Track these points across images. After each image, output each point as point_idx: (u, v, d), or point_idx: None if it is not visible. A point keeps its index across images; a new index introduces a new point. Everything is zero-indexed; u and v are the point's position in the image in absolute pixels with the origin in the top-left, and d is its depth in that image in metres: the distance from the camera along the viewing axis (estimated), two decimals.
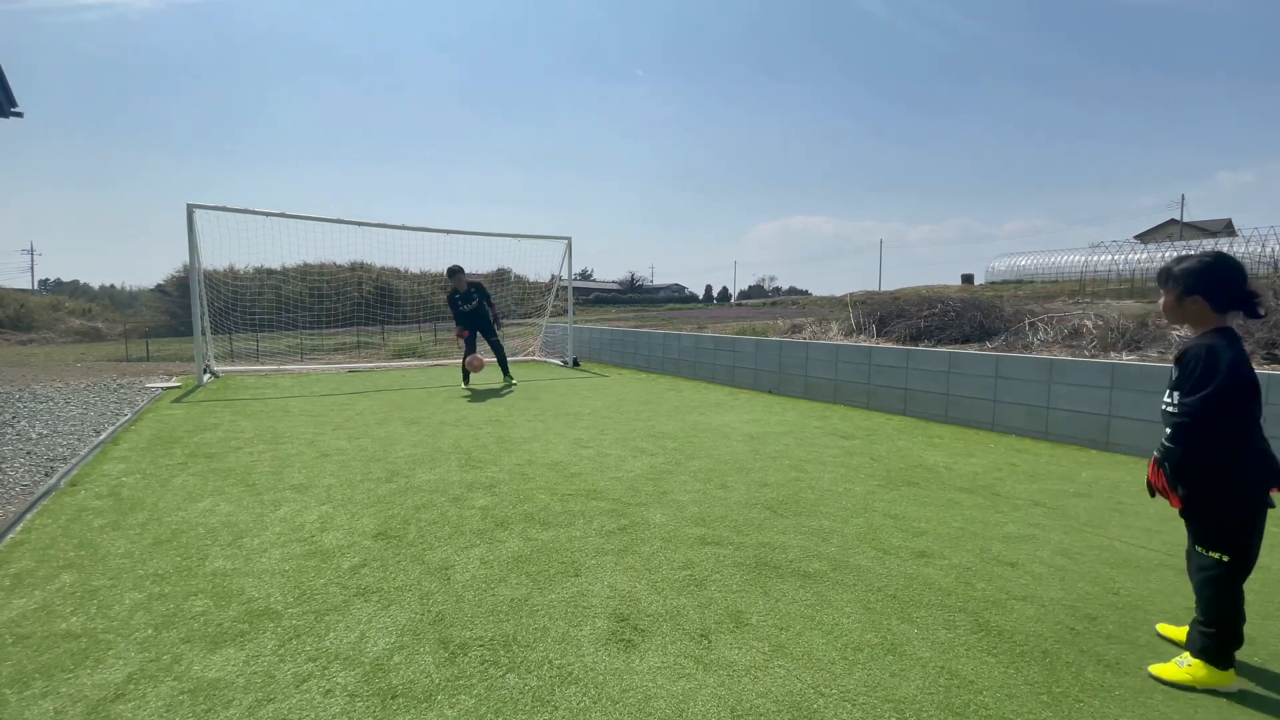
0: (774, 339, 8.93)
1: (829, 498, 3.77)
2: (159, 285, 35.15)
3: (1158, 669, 2.04)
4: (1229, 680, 1.97)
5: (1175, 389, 1.98)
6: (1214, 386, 1.83)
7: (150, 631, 2.24)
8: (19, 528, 3.22)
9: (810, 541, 3.09)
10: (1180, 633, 2.22)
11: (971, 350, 7.24)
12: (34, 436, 5.37)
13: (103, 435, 5.39)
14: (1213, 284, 1.99)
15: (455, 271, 8.44)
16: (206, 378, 8.91)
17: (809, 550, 2.98)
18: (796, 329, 11.89)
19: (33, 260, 74.25)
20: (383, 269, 26.83)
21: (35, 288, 57.48)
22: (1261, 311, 2.00)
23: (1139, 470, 4.47)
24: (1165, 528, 3.32)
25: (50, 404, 6.96)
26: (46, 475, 4.25)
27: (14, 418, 6.12)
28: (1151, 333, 7.16)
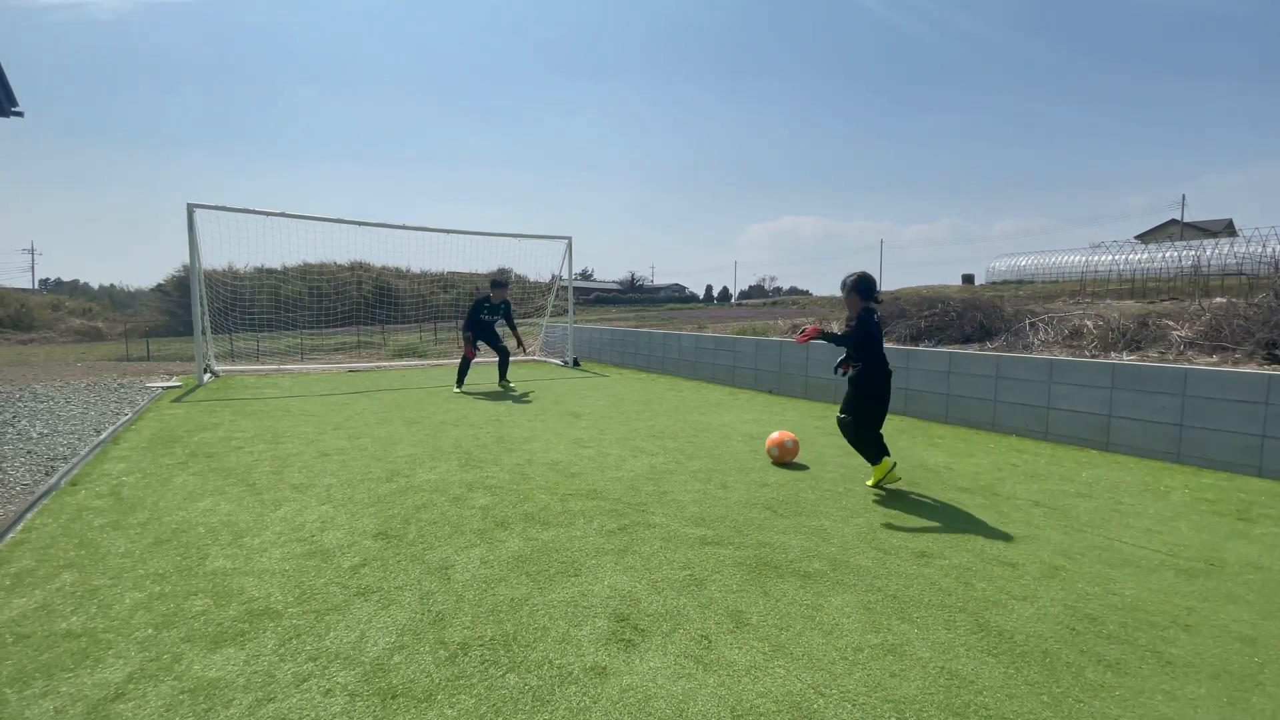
0: (774, 339, 8.93)
1: (829, 498, 3.77)
2: (159, 285, 35.18)
3: (870, 482, 3.97)
4: (886, 467, 3.84)
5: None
6: (859, 334, 3.82)
7: (150, 631, 2.24)
8: (19, 527, 3.22)
9: (810, 541, 3.09)
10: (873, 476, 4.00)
11: (972, 350, 7.24)
12: (34, 436, 5.37)
13: (103, 435, 5.39)
14: (861, 287, 3.89)
15: (503, 284, 8.32)
16: (207, 377, 8.92)
17: (809, 550, 2.98)
18: (797, 329, 11.90)
19: (33, 260, 74.07)
20: (383, 269, 26.86)
21: (35, 287, 57.45)
22: (879, 298, 4.00)
23: (1140, 470, 4.47)
24: (1165, 528, 3.33)
25: (51, 403, 6.97)
26: (47, 475, 4.25)
27: (14, 417, 6.12)
28: (1152, 333, 7.16)
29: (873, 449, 3.89)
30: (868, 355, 3.85)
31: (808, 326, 3.97)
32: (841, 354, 4.04)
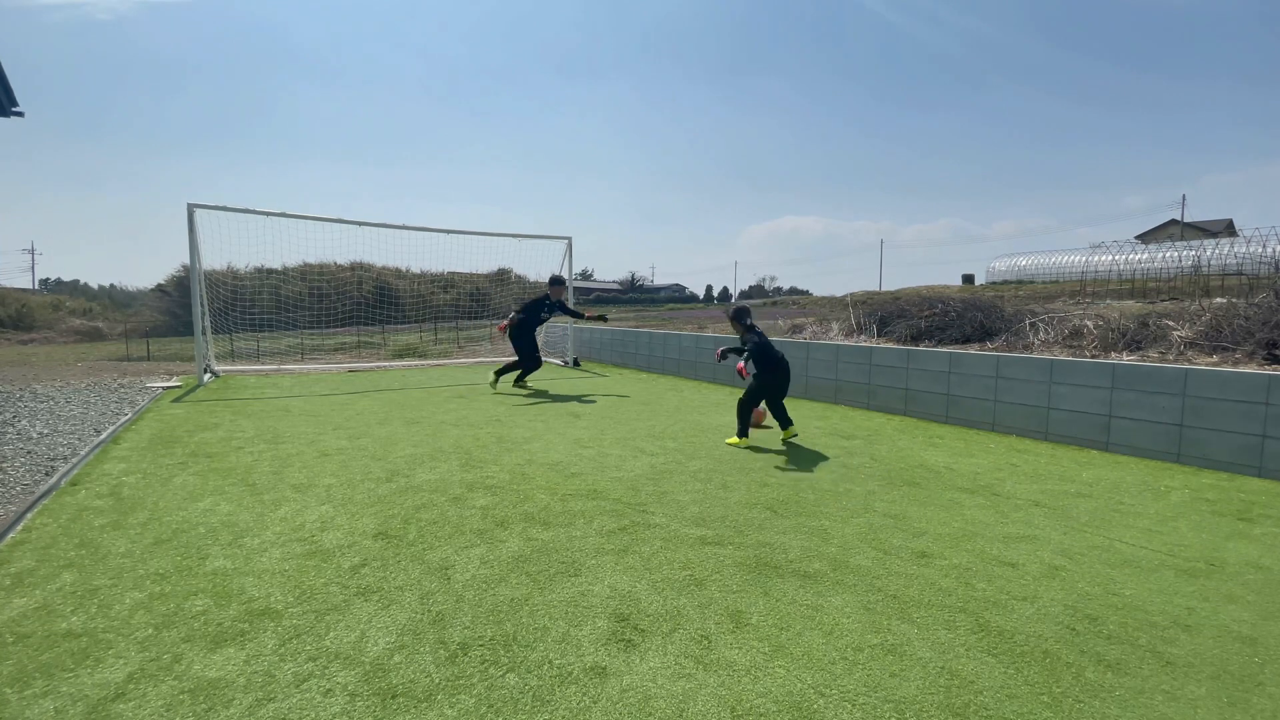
0: (775, 339, 8.93)
1: (829, 498, 3.77)
2: (159, 285, 35.16)
3: (730, 440, 5.19)
4: (745, 441, 5.14)
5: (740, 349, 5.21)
6: (749, 351, 5.03)
7: (151, 631, 2.24)
8: (19, 527, 3.22)
9: (810, 541, 3.09)
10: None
11: (972, 350, 7.25)
12: (34, 436, 5.37)
13: (103, 435, 5.39)
14: (737, 315, 5.33)
15: (561, 281, 8.58)
16: (207, 377, 8.92)
17: (809, 550, 2.98)
18: (797, 329, 11.90)
19: (33, 260, 73.97)
20: (383, 269, 26.85)
21: (36, 287, 57.43)
22: (749, 321, 5.28)
23: (1140, 470, 4.47)
24: (1165, 528, 3.32)
25: (51, 403, 6.97)
26: (47, 475, 4.25)
27: (15, 417, 6.12)
28: (1152, 333, 7.16)
29: (742, 424, 5.19)
30: (760, 364, 5.13)
31: (740, 365, 5.08)
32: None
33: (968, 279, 41.65)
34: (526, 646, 2.16)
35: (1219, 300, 8.71)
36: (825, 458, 4.75)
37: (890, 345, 7.83)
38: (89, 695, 1.88)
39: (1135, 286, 21.80)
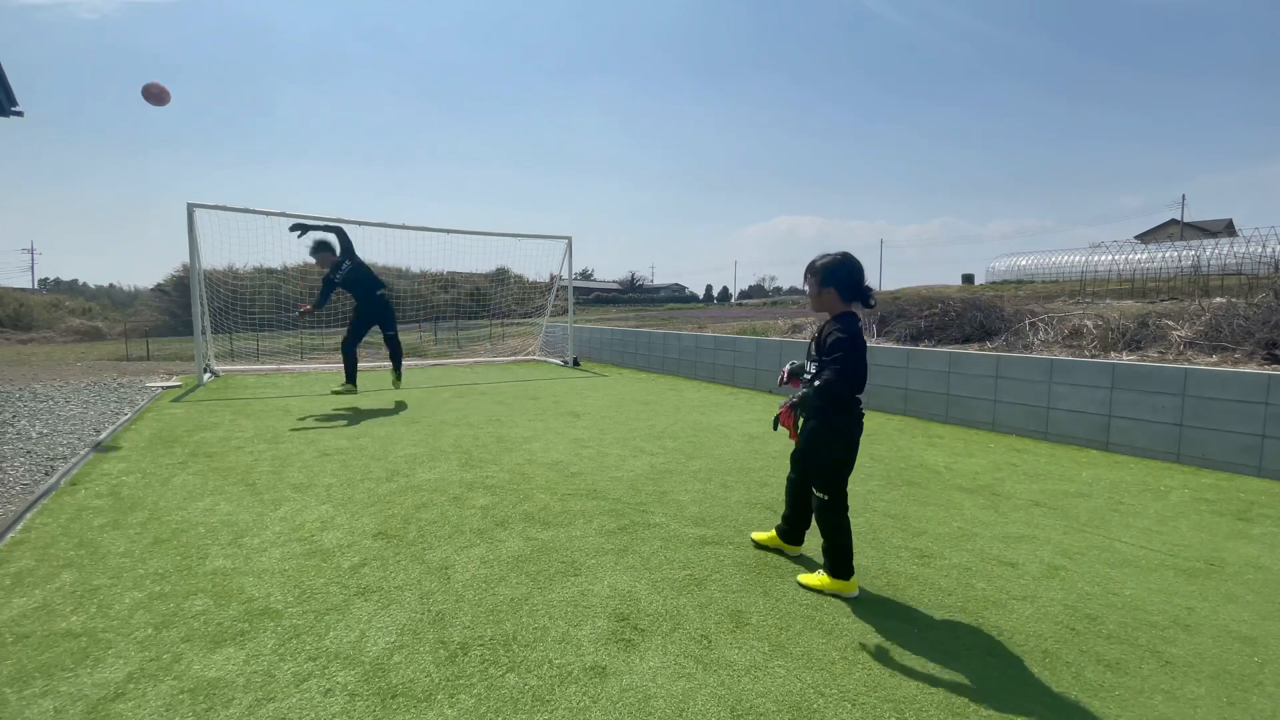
0: (774, 339, 8.94)
1: None
2: (159, 285, 35.16)
3: (804, 578, 2.63)
4: (852, 588, 2.53)
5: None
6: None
7: (150, 631, 2.24)
8: (19, 527, 3.22)
9: (810, 541, 3.08)
10: (766, 536, 2.97)
11: (972, 350, 7.25)
12: (34, 435, 5.36)
13: (103, 434, 5.38)
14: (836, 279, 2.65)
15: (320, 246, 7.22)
16: (207, 377, 8.91)
17: (809, 550, 2.98)
18: (797, 329, 11.89)
19: (33, 259, 73.74)
20: (383, 269, 26.78)
21: (35, 287, 57.42)
22: (873, 303, 2.72)
23: (1140, 470, 4.47)
24: (1165, 528, 3.33)
25: (50, 403, 6.96)
26: (46, 474, 4.24)
27: (14, 416, 6.11)
28: (1152, 333, 7.17)
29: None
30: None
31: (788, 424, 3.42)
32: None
33: (967, 279, 41.69)
34: (526, 646, 2.15)
35: (1219, 300, 8.71)
36: None
37: (890, 345, 7.83)
38: (88, 695, 1.88)
39: (1135, 286, 21.80)
